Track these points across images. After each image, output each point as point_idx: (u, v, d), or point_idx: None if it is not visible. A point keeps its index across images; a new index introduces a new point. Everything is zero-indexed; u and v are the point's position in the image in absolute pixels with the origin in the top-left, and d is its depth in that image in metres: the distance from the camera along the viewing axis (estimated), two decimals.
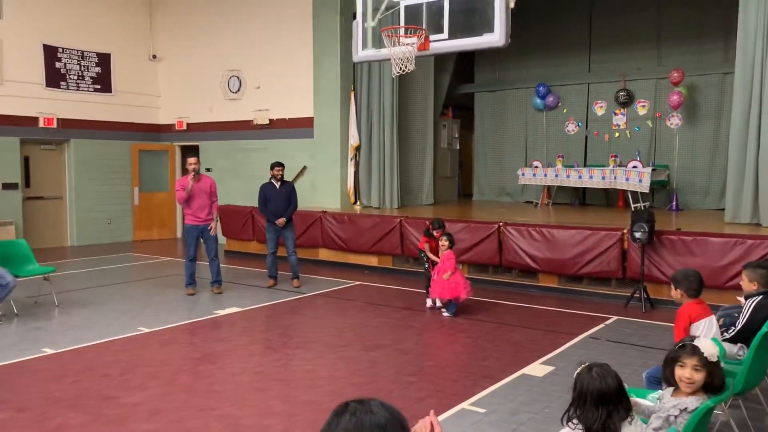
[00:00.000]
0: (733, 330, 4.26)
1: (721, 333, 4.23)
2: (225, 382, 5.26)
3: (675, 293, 4.07)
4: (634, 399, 2.94)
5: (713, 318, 3.98)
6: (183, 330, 6.87)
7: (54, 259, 10.78)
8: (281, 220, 8.95)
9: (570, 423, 2.41)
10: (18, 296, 7.85)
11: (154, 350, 6.17)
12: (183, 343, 6.42)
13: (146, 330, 6.80)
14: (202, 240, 8.64)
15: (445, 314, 7.38)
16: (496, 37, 6.82)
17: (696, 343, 3.14)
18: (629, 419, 2.40)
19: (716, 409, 3.22)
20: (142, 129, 14.72)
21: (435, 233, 7.82)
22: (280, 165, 9.23)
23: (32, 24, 12.68)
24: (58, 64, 13.11)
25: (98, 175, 13.80)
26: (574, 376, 2.47)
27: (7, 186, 12.40)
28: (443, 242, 7.42)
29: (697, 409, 2.66)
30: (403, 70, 7.28)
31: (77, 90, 13.46)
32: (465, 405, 4.71)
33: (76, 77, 13.43)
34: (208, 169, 14.20)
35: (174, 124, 14.76)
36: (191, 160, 8.60)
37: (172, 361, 5.81)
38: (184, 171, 15.09)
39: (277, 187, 9.11)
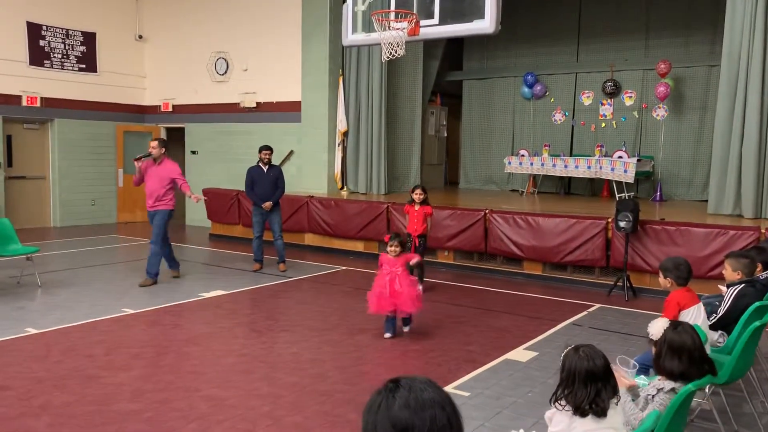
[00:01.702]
0: (715, 317, 4.33)
1: None
2: (210, 363, 5.26)
3: (664, 281, 4.12)
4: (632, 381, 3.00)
5: (701, 306, 4.04)
6: (168, 312, 6.85)
7: (36, 240, 10.68)
8: (267, 204, 8.91)
9: (558, 403, 2.44)
10: (0, 276, 7.77)
11: (138, 331, 6.15)
12: (168, 324, 6.40)
13: (131, 311, 6.77)
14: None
15: (405, 329, 6.19)
16: (486, 23, 6.83)
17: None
18: (615, 399, 2.44)
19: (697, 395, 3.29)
20: (127, 110, 14.55)
21: (414, 195, 7.71)
22: (268, 148, 9.16)
23: (15, 0, 12.46)
24: (42, 42, 12.90)
25: (82, 156, 13.65)
26: (562, 356, 2.50)
27: None
28: (393, 247, 5.95)
29: (679, 392, 2.71)
30: (393, 55, 7.26)
31: (61, 69, 13.27)
32: (449, 388, 4.75)
33: (60, 56, 13.23)
34: (193, 152, 14.12)
35: (160, 106, 14.60)
36: (151, 143, 8.09)
37: (157, 342, 5.80)
38: (170, 153, 15.01)
39: (265, 170, 9.07)
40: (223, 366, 5.22)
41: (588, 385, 2.38)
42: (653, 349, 3.09)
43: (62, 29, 13.21)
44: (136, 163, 8.06)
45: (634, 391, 3.02)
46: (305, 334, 6.15)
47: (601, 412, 2.35)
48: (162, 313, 6.79)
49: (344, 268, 9.47)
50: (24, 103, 12.65)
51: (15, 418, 4.09)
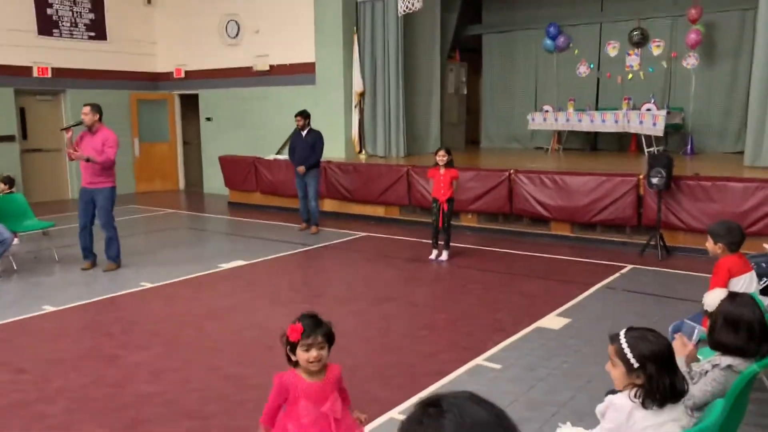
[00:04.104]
0: (766, 281, 4.02)
1: None
2: (231, 339, 5.09)
3: (713, 247, 3.79)
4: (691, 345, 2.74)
5: (753, 273, 3.73)
6: (187, 284, 6.68)
7: (54, 213, 10.57)
8: (301, 168, 9.13)
9: (632, 396, 2.14)
10: (17, 251, 7.68)
11: (157, 306, 5.99)
12: (187, 298, 6.24)
13: (149, 285, 6.61)
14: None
15: None
16: None
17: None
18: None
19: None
20: (140, 78, 14.28)
21: (437, 157, 7.34)
22: (300, 114, 9.30)
23: None
24: (49, 11, 12.60)
25: None
26: (625, 341, 2.18)
27: (3, 138, 12.10)
28: (313, 355, 2.56)
29: (742, 373, 2.44)
30: (410, 9, 6.88)
31: (71, 37, 12.99)
32: (479, 360, 4.53)
33: (69, 24, 12.94)
34: (208, 119, 13.86)
35: (172, 73, 14.31)
36: (83, 108, 6.97)
37: (176, 317, 5.64)
38: (185, 120, 14.81)
39: (303, 135, 9.25)
40: (244, 341, 5.05)
41: (662, 370, 2.11)
42: (705, 321, 2.81)
43: None
44: (64, 133, 6.95)
45: (695, 362, 2.75)
46: (328, 304, 5.94)
47: (671, 399, 2.09)
48: (181, 286, 6.62)
49: (365, 234, 9.22)
50: (35, 74, 12.43)
51: (31, 404, 3.94)
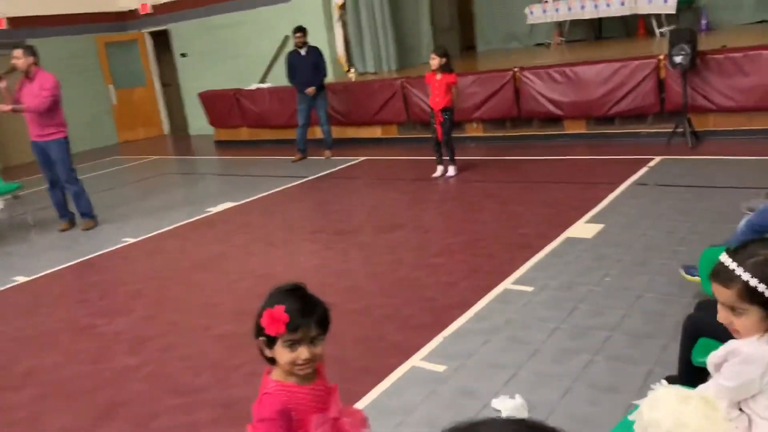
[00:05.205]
0: None
1: None
2: (223, 291, 4.49)
3: None
4: None
5: None
6: (172, 235, 6.05)
7: (31, 174, 9.88)
8: (310, 90, 8.45)
9: None
10: None
11: (140, 263, 5.39)
12: (172, 250, 5.62)
13: (132, 240, 5.99)
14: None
15: None
16: None
17: None
18: None
19: None
20: (104, 19, 13.22)
21: (431, 60, 6.57)
22: (299, 30, 8.64)
23: None
24: None
25: (66, 77, 12.26)
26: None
27: None
28: (299, 353, 1.61)
29: None
30: None
31: None
32: (507, 285, 3.92)
33: None
34: (183, 55, 12.89)
35: (138, 9, 13.22)
36: (14, 52, 6.11)
37: (161, 273, 5.03)
38: (160, 61, 13.82)
39: (303, 54, 8.62)
40: (237, 292, 4.45)
41: None
42: None
43: None
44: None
45: None
46: (329, 240, 5.32)
47: None
48: (166, 238, 6.00)
49: (364, 158, 8.48)
50: None
51: None
